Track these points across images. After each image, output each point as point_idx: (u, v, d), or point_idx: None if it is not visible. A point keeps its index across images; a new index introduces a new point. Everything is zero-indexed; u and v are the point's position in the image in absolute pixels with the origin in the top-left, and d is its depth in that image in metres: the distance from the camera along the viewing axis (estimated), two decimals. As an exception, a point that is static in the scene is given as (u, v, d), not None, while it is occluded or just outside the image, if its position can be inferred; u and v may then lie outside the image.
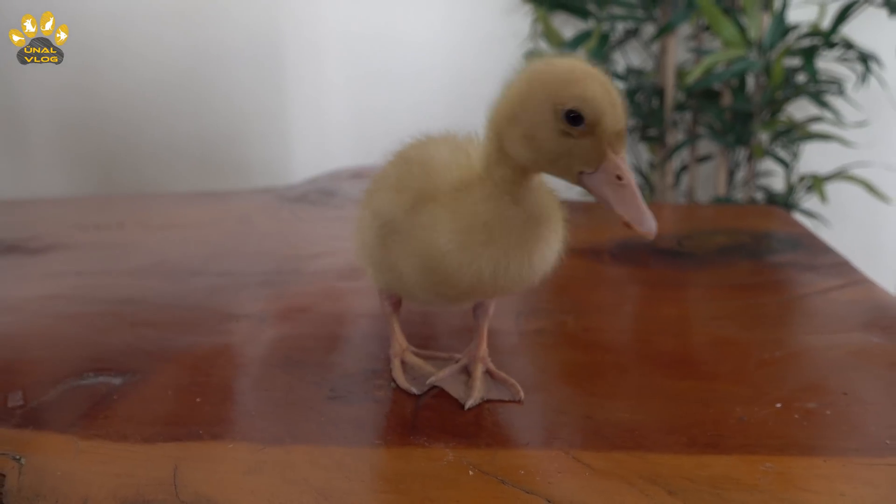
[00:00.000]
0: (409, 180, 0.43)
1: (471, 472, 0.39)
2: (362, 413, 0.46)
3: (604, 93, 0.36)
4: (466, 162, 0.43)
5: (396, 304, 0.53)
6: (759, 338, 0.55)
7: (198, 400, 0.48)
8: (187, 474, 0.39)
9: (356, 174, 1.27)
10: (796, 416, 0.43)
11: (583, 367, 0.51)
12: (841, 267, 0.71)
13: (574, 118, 0.35)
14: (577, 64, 0.37)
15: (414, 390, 0.48)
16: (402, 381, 0.49)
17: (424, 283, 0.43)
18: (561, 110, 0.35)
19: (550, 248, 0.41)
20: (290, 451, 0.41)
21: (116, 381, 0.51)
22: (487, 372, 0.49)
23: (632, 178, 0.36)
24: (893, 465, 0.38)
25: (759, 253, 0.77)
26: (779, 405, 0.45)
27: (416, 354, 0.52)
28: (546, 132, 0.36)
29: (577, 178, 0.37)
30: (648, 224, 0.35)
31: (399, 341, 0.52)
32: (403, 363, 0.51)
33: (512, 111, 0.38)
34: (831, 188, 1.67)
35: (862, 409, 0.44)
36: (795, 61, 1.52)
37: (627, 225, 0.35)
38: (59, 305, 0.67)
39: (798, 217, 1.61)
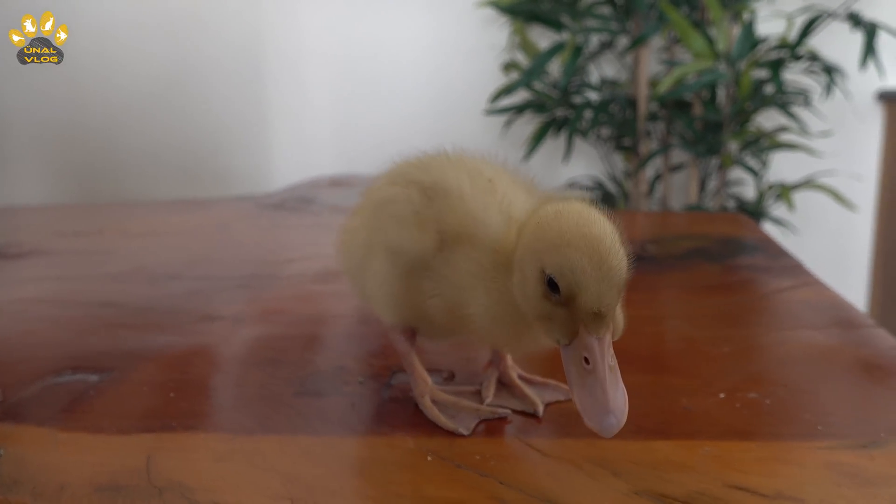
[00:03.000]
0: (431, 214, 0.41)
1: (429, 458, 0.41)
2: (330, 406, 0.48)
3: (591, 267, 0.33)
4: (493, 199, 0.40)
5: (411, 337, 0.48)
6: (711, 335, 0.58)
7: (172, 395, 0.50)
8: (160, 462, 0.41)
9: (335, 182, 1.30)
10: (738, 405, 0.46)
11: (543, 363, 0.54)
12: (794, 269, 0.74)
13: (552, 285, 0.34)
14: (579, 222, 0.34)
15: (462, 431, 0.43)
16: (446, 422, 0.44)
17: (448, 324, 0.42)
18: (544, 272, 0.34)
19: None
20: (260, 440, 0.43)
21: (94, 378, 0.53)
22: (520, 378, 0.49)
23: (603, 366, 0.33)
24: (823, 448, 0.41)
25: (718, 257, 0.80)
26: (722, 395, 0.47)
27: (443, 391, 0.47)
28: (532, 288, 0.35)
29: (558, 345, 0.35)
30: (603, 422, 0.32)
31: (424, 379, 0.47)
32: (435, 403, 0.46)
33: (517, 252, 0.37)
34: (801, 197, 1.71)
35: (800, 398, 0.47)
36: (764, 73, 1.57)
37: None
38: (38, 308, 0.68)
39: (768, 225, 1.65)
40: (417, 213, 0.41)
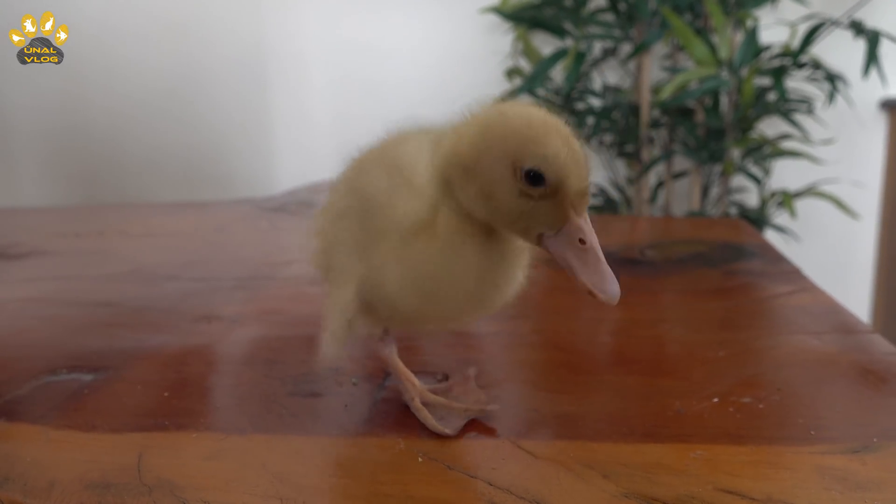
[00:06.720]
0: (367, 222, 0.41)
1: (420, 459, 0.41)
2: (322, 406, 0.48)
3: (568, 150, 0.33)
4: (406, 191, 0.40)
5: (391, 342, 0.48)
6: (705, 339, 0.58)
7: (166, 394, 0.50)
8: (151, 460, 0.41)
9: (336, 186, 1.30)
10: (731, 409, 0.46)
11: (535, 365, 0.54)
12: (793, 275, 0.74)
13: (534, 178, 0.33)
14: (537, 115, 0.34)
15: (448, 432, 0.43)
16: (434, 423, 0.44)
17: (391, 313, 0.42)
18: (520, 169, 0.33)
19: (515, 279, 0.40)
20: (251, 439, 0.43)
21: (88, 377, 0.53)
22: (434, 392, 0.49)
23: (595, 241, 0.34)
24: (815, 452, 0.41)
25: (715, 261, 0.80)
26: (716, 399, 0.47)
27: (432, 392, 0.47)
28: (504, 191, 0.34)
29: (538, 240, 0.35)
30: (611, 290, 0.33)
31: (412, 382, 0.47)
32: (425, 405, 0.46)
33: (465, 164, 0.34)
34: (804, 204, 1.71)
35: (794, 403, 0.47)
36: (767, 80, 1.57)
37: (591, 293, 0.33)
38: (36, 307, 0.69)
39: (770, 232, 1.65)
40: (360, 221, 0.41)
